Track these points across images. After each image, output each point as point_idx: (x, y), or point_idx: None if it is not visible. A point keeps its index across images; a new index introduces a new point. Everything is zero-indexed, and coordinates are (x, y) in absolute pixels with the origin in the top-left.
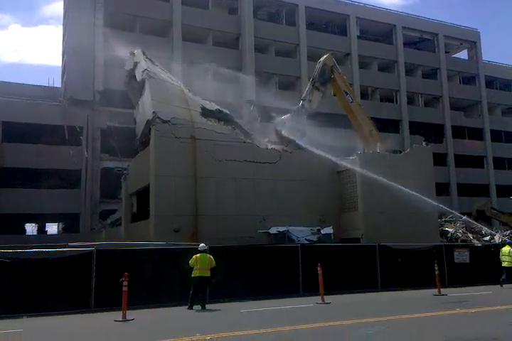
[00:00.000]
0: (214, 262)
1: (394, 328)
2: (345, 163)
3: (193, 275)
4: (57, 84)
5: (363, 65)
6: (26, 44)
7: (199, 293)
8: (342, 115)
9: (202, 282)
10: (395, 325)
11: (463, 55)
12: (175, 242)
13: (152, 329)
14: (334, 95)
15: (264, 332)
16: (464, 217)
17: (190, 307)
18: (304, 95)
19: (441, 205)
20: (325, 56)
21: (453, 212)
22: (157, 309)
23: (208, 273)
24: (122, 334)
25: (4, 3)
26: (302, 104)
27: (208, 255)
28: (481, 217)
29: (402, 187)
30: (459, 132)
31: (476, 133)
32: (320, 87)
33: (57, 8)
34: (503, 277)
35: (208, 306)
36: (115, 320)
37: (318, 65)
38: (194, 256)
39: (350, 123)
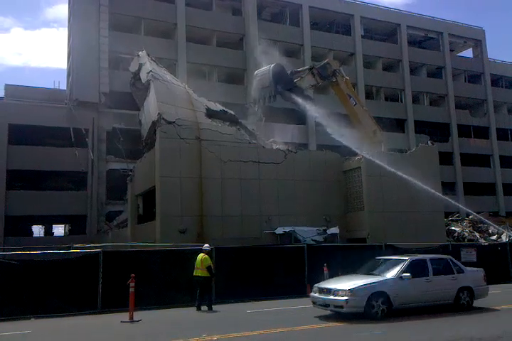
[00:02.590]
0: (208, 262)
1: (401, 328)
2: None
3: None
4: (63, 86)
5: (368, 64)
6: (29, 47)
7: (204, 294)
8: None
9: (198, 282)
10: (402, 325)
11: (468, 53)
12: (181, 243)
13: (159, 329)
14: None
15: (270, 332)
16: (469, 218)
17: (198, 308)
18: (298, 69)
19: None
20: (334, 60)
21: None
22: (165, 310)
23: (202, 273)
24: (129, 335)
25: (6, 6)
26: (291, 72)
27: (203, 254)
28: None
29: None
30: (464, 131)
31: (482, 132)
32: (316, 75)
33: (59, 11)
34: None
35: (214, 307)
36: (122, 321)
37: (323, 61)
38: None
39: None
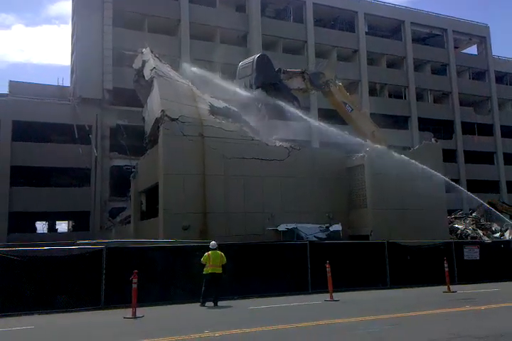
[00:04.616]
0: (225, 259)
1: (403, 325)
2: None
3: (205, 273)
4: (67, 83)
5: (372, 61)
6: (31, 44)
7: (211, 290)
8: None
9: (214, 279)
10: (404, 322)
11: (472, 50)
12: (184, 240)
13: (161, 326)
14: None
15: (272, 329)
16: (472, 216)
17: (203, 304)
18: (288, 69)
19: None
20: (330, 70)
21: (483, 203)
22: (168, 306)
23: (220, 270)
24: (131, 331)
25: (7, 3)
26: (280, 69)
27: (220, 252)
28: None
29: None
30: (468, 128)
31: (486, 129)
32: (307, 80)
33: (61, 7)
34: None
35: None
36: (125, 317)
37: (318, 70)
38: (206, 254)
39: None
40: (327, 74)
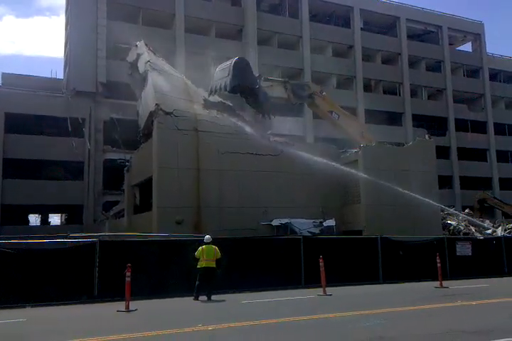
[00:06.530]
0: (219, 253)
1: (395, 320)
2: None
3: (198, 267)
4: (60, 75)
5: (367, 57)
6: (22, 35)
7: (205, 284)
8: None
9: (208, 273)
10: (396, 317)
11: (467, 47)
12: (177, 234)
13: (154, 319)
14: None
15: (265, 323)
16: (465, 212)
17: (196, 298)
18: (269, 78)
19: (442, 206)
20: (312, 83)
21: (452, 210)
22: (161, 300)
23: (213, 264)
24: (124, 325)
25: None
26: (260, 75)
27: (214, 246)
28: (483, 207)
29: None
30: (462, 125)
31: (480, 126)
32: (289, 90)
33: None
34: None
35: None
36: (118, 311)
37: (302, 81)
38: (200, 248)
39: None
40: (312, 86)
